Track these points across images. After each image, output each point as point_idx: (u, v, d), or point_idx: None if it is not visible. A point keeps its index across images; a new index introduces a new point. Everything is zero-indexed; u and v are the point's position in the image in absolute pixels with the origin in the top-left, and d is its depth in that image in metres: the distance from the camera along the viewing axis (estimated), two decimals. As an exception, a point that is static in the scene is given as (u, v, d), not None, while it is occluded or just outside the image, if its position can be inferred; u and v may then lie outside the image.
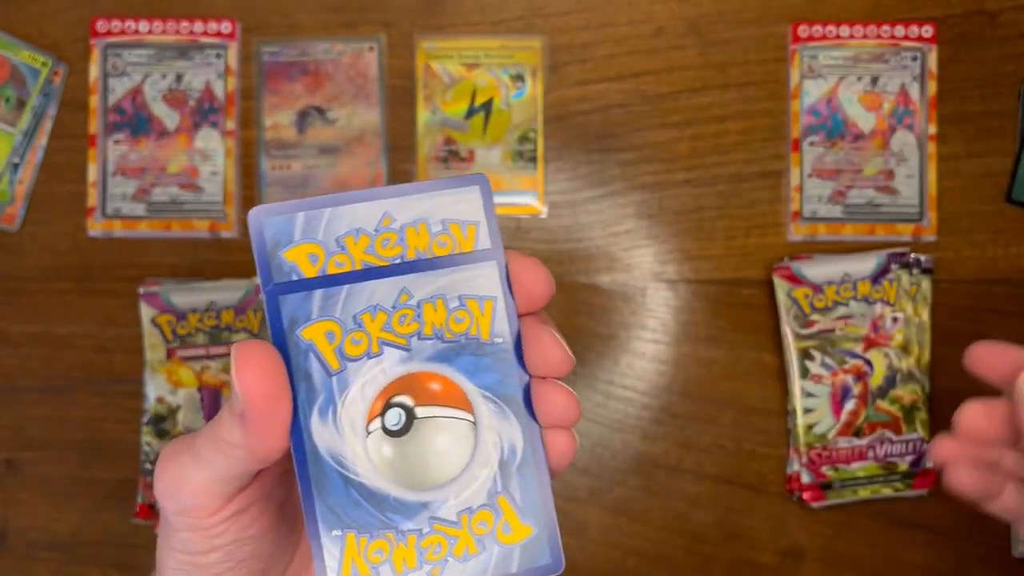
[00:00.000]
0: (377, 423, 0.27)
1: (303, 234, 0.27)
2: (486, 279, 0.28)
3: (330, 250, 0.27)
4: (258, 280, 0.27)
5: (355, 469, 0.27)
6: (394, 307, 0.28)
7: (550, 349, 0.28)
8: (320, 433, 0.27)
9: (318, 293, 0.27)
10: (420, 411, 0.27)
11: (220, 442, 0.26)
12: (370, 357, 0.27)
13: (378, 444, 0.27)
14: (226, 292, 0.62)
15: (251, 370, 0.25)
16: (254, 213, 0.27)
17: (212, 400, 0.62)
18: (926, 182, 0.65)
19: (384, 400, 0.27)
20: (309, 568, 0.31)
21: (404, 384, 0.27)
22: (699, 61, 0.65)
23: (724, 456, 0.63)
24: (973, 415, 0.36)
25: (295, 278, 0.27)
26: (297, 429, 0.27)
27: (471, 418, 0.28)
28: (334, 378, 0.27)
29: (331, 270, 0.27)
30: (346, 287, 0.27)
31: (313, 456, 0.26)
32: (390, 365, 0.27)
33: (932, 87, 0.65)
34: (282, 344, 0.27)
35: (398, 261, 0.28)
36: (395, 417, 0.27)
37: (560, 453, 0.29)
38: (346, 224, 0.28)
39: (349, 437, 0.27)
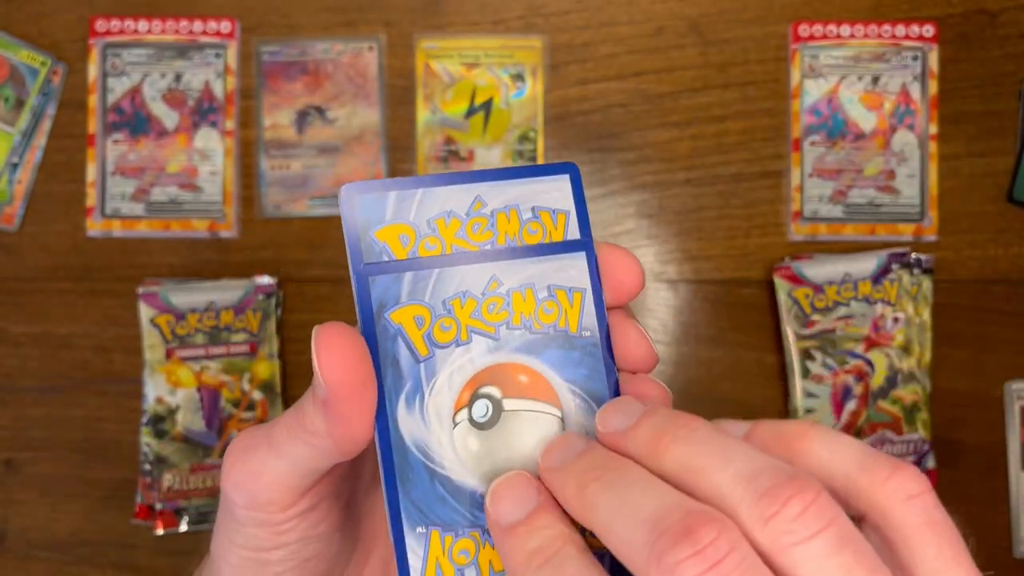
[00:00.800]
0: (464, 414, 0.26)
1: (395, 214, 0.26)
2: (576, 270, 0.27)
3: (422, 232, 0.26)
4: (348, 259, 0.26)
5: (440, 461, 0.26)
6: (484, 294, 0.27)
7: (636, 344, 0.27)
8: (406, 422, 0.25)
9: (408, 276, 0.26)
10: (507, 403, 0.26)
11: (303, 432, 0.25)
12: (458, 345, 0.26)
13: (464, 436, 0.26)
14: (225, 292, 0.62)
15: (334, 356, 0.24)
16: (346, 190, 0.26)
17: (211, 400, 0.62)
18: (927, 182, 0.65)
19: (471, 390, 0.26)
20: (365, 566, 0.31)
21: (492, 375, 0.26)
22: (699, 61, 0.64)
23: (724, 456, 0.63)
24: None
25: (385, 259, 0.26)
26: (383, 417, 0.25)
27: (559, 413, 0.27)
28: (422, 365, 0.26)
29: (422, 252, 0.26)
30: (436, 271, 0.26)
31: (399, 446, 0.25)
32: (478, 354, 0.26)
33: (933, 87, 0.65)
34: (370, 327, 0.26)
35: (488, 247, 0.27)
36: (482, 409, 0.26)
37: None
38: (438, 206, 0.27)
39: (435, 428, 0.26)
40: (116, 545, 0.62)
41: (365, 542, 0.31)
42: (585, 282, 0.27)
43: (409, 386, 0.26)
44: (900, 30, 0.65)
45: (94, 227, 0.63)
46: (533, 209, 0.27)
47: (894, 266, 0.63)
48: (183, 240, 0.64)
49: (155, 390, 0.62)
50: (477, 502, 0.26)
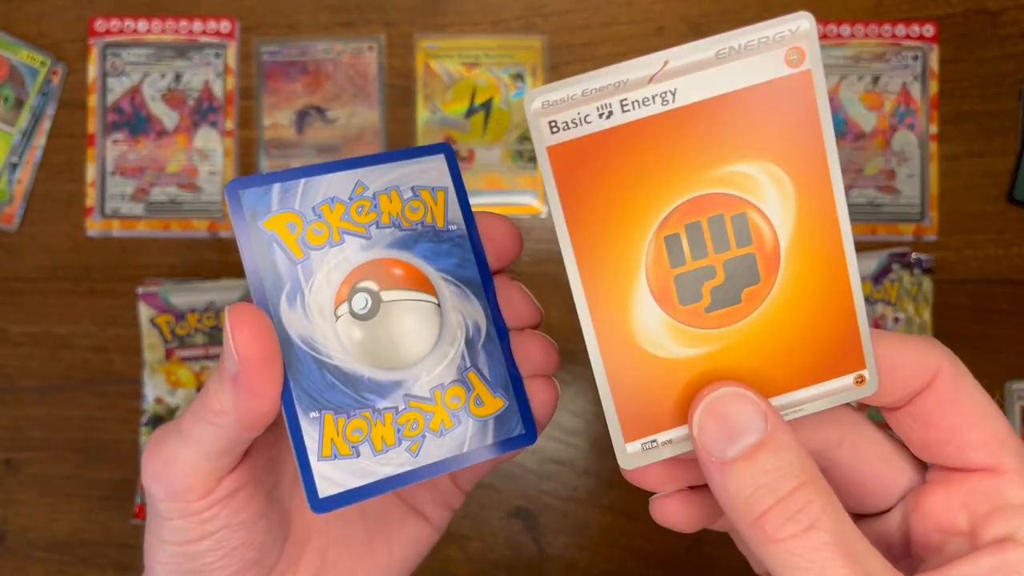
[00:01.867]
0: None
1: (280, 204, 0.28)
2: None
3: (308, 219, 0.28)
4: (240, 250, 0.27)
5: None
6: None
7: (519, 301, 0.30)
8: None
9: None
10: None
11: (207, 412, 0.26)
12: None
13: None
14: (225, 292, 0.62)
15: (247, 331, 0.25)
16: (231, 186, 0.27)
17: (211, 400, 0.62)
18: (927, 182, 0.65)
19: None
20: (300, 558, 0.31)
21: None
22: (699, 60, 0.64)
23: (724, 457, 0.63)
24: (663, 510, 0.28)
25: (276, 247, 0.27)
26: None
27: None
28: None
29: (310, 239, 0.28)
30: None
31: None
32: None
33: (933, 86, 0.65)
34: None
35: (373, 226, 0.28)
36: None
37: (543, 402, 0.30)
38: (321, 193, 0.28)
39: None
40: (116, 545, 0.62)
41: (298, 535, 0.31)
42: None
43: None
44: (900, 30, 0.65)
45: (94, 227, 0.63)
46: (413, 188, 0.29)
47: (894, 266, 0.63)
48: (183, 240, 0.64)
49: (155, 390, 0.62)
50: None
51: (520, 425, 0.29)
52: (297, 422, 0.26)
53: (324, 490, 0.26)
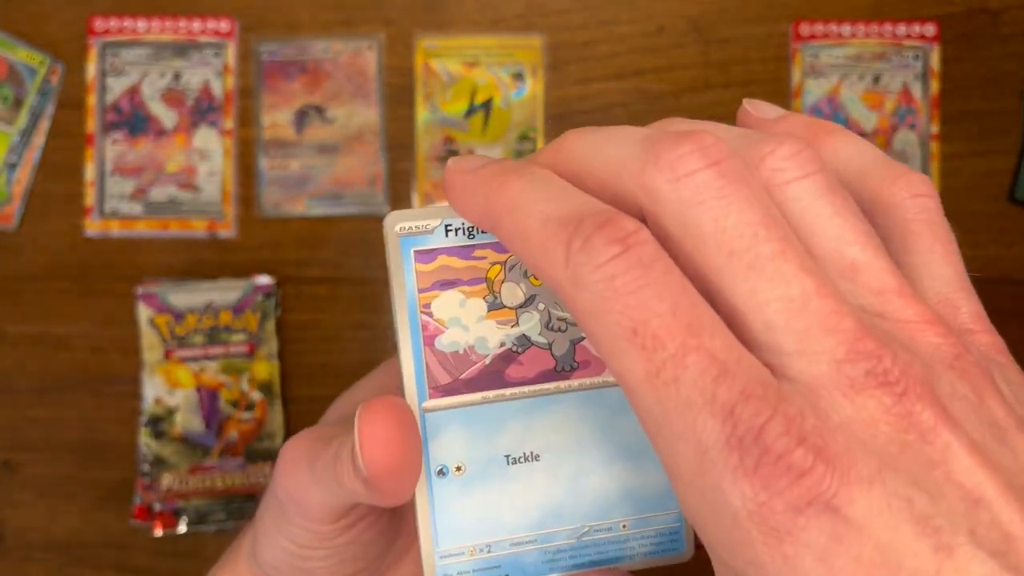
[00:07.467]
0: None
1: None
2: None
3: None
4: None
5: None
6: None
7: None
8: None
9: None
10: None
11: (342, 480, 0.24)
12: None
13: None
14: (224, 292, 0.62)
15: (378, 446, 0.22)
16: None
17: (210, 401, 0.62)
18: (928, 181, 0.64)
19: None
20: (405, 558, 0.31)
21: None
22: (700, 60, 0.64)
23: (725, 457, 0.63)
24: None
25: None
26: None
27: None
28: None
29: None
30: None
31: None
32: None
33: (934, 86, 0.65)
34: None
35: None
36: None
37: None
38: None
39: None
40: (114, 546, 0.62)
41: (405, 537, 0.31)
42: None
43: None
44: (901, 29, 0.65)
45: (92, 227, 0.63)
46: None
47: (895, 266, 0.63)
48: (182, 240, 0.63)
49: (154, 391, 0.61)
50: None
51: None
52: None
53: None
